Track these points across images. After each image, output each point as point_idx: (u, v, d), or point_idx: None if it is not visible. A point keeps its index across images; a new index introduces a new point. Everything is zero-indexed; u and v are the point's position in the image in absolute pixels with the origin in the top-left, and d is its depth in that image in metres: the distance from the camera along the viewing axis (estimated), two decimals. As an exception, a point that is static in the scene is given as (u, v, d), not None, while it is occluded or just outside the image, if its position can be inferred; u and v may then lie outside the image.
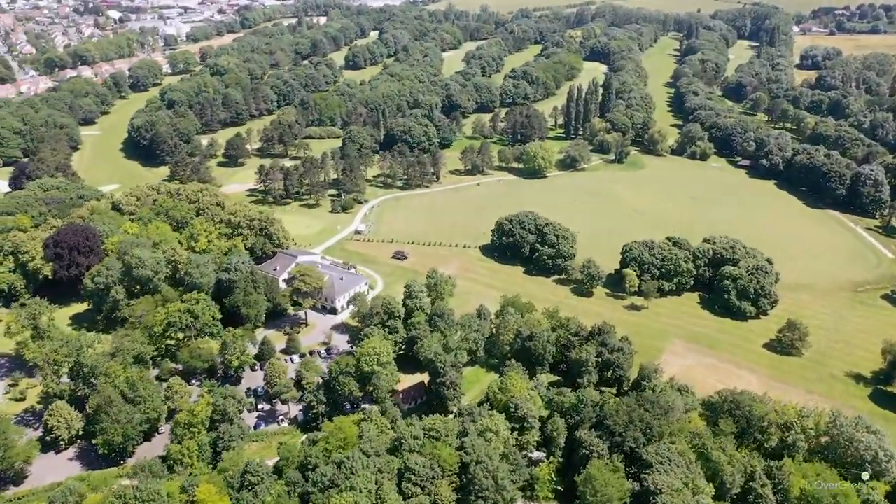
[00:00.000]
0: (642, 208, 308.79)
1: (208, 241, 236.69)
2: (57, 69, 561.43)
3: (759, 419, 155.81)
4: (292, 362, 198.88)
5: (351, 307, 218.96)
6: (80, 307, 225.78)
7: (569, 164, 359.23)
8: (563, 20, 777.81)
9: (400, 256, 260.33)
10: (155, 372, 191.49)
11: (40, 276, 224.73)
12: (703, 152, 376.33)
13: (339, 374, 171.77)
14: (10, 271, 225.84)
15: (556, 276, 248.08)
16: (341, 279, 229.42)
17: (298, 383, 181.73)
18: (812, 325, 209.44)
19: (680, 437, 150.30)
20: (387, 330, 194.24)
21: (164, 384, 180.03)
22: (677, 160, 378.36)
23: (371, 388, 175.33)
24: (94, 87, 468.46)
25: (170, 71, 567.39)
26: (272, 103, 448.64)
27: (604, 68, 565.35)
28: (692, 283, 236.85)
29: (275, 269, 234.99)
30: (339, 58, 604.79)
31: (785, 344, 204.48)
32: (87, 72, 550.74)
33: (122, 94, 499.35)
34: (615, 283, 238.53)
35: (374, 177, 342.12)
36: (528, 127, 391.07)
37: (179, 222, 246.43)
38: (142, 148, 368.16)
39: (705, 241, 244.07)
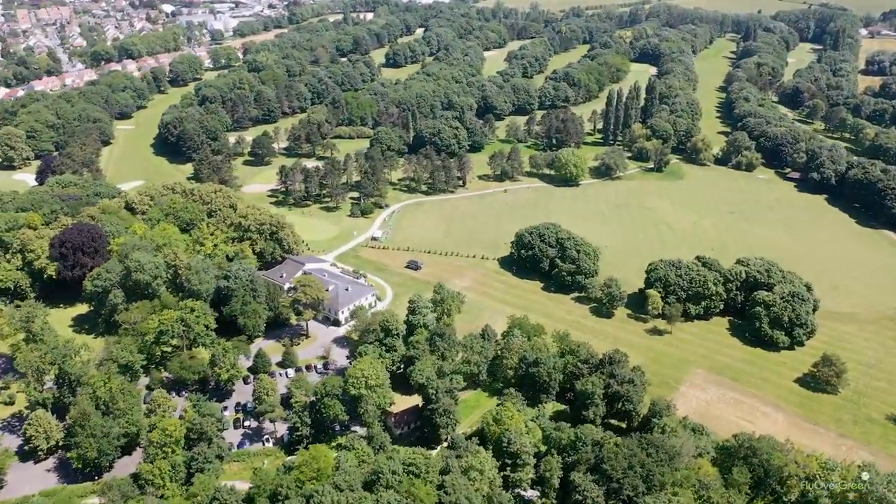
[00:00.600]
0: (675, 222, 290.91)
1: (214, 246, 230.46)
2: (103, 62, 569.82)
3: (777, 469, 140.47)
4: (287, 376, 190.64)
5: (354, 319, 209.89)
6: (83, 308, 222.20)
7: (603, 171, 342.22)
8: (615, 20, 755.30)
9: (414, 266, 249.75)
10: (145, 381, 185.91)
11: (45, 276, 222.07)
12: (750, 163, 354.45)
13: (324, 395, 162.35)
14: (17, 269, 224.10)
15: (575, 294, 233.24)
16: (347, 289, 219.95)
17: (288, 401, 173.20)
18: (851, 359, 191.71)
19: (685, 487, 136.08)
20: (384, 348, 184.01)
21: (151, 395, 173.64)
22: (721, 170, 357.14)
23: (361, 411, 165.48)
24: (132, 81, 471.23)
25: (211, 66, 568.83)
26: (306, 101, 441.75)
27: (652, 70, 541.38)
28: (722, 307, 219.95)
29: (281, 276, 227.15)
30: (382, 55, 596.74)
31: (819, 380, 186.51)
32: (131, 65, 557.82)
33: (162, 89, 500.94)
34: (638, 304, 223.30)
35: (398, 180, 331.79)
36: (565, 132, 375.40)
37: (189, 224, 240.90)
38: (170, 144, 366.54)
39: (739, 262, 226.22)
